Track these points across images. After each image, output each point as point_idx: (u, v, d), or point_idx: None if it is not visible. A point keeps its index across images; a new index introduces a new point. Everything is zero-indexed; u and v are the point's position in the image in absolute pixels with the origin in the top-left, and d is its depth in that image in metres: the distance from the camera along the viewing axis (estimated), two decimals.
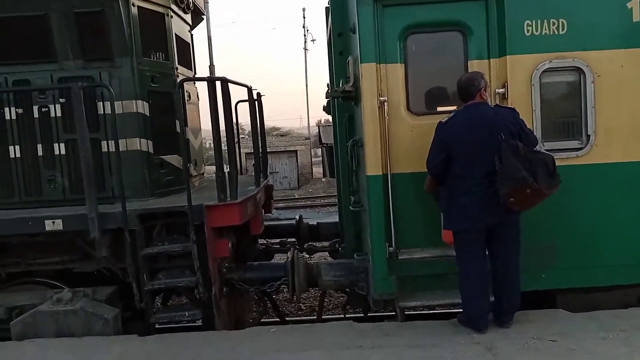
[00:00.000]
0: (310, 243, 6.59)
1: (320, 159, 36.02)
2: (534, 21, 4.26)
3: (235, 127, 5.03)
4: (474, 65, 4.35)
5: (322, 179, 29.78)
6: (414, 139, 4.41)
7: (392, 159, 4.40)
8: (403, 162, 4.45)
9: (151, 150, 5.22)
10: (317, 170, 33.88)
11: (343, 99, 4.85)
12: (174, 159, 5.56)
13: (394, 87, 4.38)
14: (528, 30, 4.26)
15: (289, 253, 5.40)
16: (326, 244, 6.96)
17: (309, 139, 33.41)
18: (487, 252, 4.11)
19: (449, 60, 4.46)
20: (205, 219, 4.63)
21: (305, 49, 37.34)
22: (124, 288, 5.10)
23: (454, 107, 4.31)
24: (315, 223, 6.84)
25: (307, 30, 38.29)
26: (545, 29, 4.27)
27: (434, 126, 4.21)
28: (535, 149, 3.92)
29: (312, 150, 33.27)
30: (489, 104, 4.03)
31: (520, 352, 3.69)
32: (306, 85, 42.46)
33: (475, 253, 4.01)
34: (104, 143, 5.04)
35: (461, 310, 4.29)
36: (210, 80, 4.54)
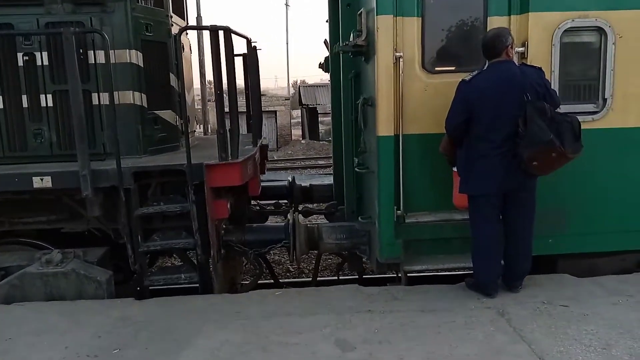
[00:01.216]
0: (305, 206, 6.43)
1: (299, 120, 35.54)
2: None
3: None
4: (494, 22, 4.15)
5: (302, 141, 29.42)
6: (427, 99, 4.24)
7: (404, 120, 4.22)
8: (415, 123, 4.27)
9: (145, 105, 4.91)
10: (296, 132, 33.48)
11: (353, 54, 4.59)
12: (167, 115, 5.27)
13: (410, 43, 4.16)
14: None
15: (289, 215, 5.24)
16: (321, 206, 6.83)
17: (289, 99, 32.81)
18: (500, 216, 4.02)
19: (467, 15, 4.24)
20: (206, 179, 4.40)
21: (287, 5, 36.29)
22: (115, 249, 4.89)
23: (469, 66, 4.15)
24: (308, 185, 6.67)
25: None
26: None
27: (447, 85, 4.08)
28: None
29: (291, 111, 32.72)
30: (515, 62, 3.85)
31: (533, 317, 3.64)
32: (287, 44, 41.53)
33: (491, 217, 3.91)
34: (94, 95, 4.69)
35: (468, 274, 4.23)
36: (213, 30, 4.22)
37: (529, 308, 3.79)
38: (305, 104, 31.57)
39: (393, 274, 5.26)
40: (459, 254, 4.55)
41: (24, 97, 4.68)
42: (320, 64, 6.33)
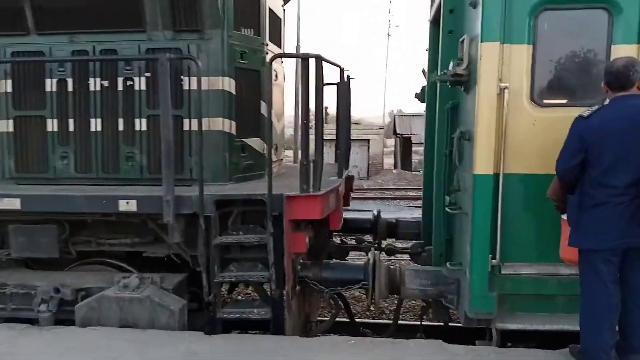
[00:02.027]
0: (389, 243, 6.04)
1: (392, 149, 35.10)
2: None
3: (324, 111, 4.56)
4: (619, 51, 3.61)
5: (393, 171, 28.94)
6: (536, 135, 3.76)
7: (506, 157, 3.76)
8: (520, 161, 3.80)
9: (233, 132, 4.86)
10: (388, 162, 33.06)
11: (452, 84, 4.22)
12: (255, 142, 5.18)
13: (517, 73, 3.73)
14: None
15: (369, 254, 4.89)
16: (407, 244, 6.39)
17: (383, 128, 32.55)
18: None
19: (586, 43, 3.73)
20: (285, 210, 4.20)
21: (388, 35, 36.40)
22: (192, 277, 4.82)
23: (584, 100, 3.67)
24: (394, 220, 6.28)
25: (391, 14, 37.52)
26: None
27: (559, 120, 3.60)
28: None
29: (384, 140, 32.43)
30: None
31: None
32: (385, 72, 41.62)
33: (606, 277, 3.31)
34: (186, 121, 4.72)
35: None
36: (304, 58, 4.07)
37: None
38: (399, 134, 31.13)
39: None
40: (562, 314, 3.96)
41: (120, 121, 4.80)
42: (416, 93, 6.01)
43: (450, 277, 4.45)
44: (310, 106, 4.34)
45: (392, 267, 4.76)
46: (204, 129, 4.35)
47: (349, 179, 6.28)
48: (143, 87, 4.75)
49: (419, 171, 29.17)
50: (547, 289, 3.94)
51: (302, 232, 4.42)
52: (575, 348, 3.61)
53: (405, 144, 31.20)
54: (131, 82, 4.77)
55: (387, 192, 20.56)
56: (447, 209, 4.42)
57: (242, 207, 4.56)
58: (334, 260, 5.43)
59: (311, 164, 4.30)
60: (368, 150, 29.58)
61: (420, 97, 5.85)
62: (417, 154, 32.16)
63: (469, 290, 3.92)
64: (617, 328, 3.39)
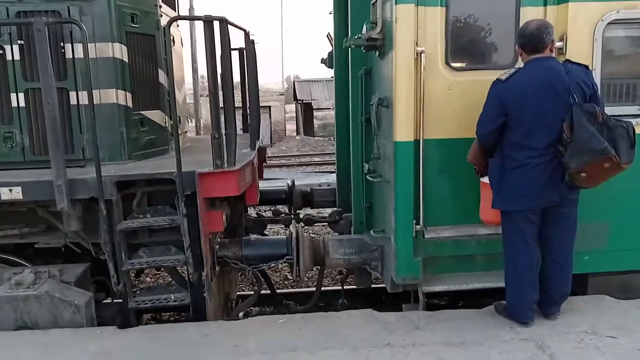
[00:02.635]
0: (307, 214, 5.91)
1: (293, 115, 34.92)
2: None
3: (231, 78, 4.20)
4: (528, 13, 3.66)
5: (296, 137, 28.86)
6: (453, 99, 3.74)
7: (425, 123, 3.71)
8: (438, 127, 3.77)
9: (129, 104, 4.38)
10: (290, 128, 32.88)
11: (366, 49, 4.07)
12: (155, 115, 4.73)
13: (432, 36, 3.65)
14: None
15: (291, 227, 4.71)
16: (325, 213, 6.30)
17: (284, 94, 32.18)
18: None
19: (496, 5, 3.73)
20: (198, 189, 3.87)
21: None
22: (95, 265, 4.37)
23: (498, 63, 3.73)
24: (308, 189, 6.16)
25: None
26: None
27: (475, 84, 3.61)
28: None
29: (285, 106, 32.09)
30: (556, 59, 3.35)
31: (579, 354, 3.17)
32: (281, 37, 40.83)
33: (528, 236, 3.42)
34: (72, 94, 4.16)
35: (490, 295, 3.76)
36: (207, 20, 3.67)
37: (572, 340, 3.31)
38: (300, 99, 30.98)
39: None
40: (482, 272, 4.10)
41: None
42: (322, 59, 5.81)
43: (373, 244, 4.41)
44: (216, 73, 3.99)
45: (314, 238, 4.63)
46: (95, 102, 3.85)
47: (262, 150, 6.01)
48: (17, 57, 4.10)
49: (321, 136, 29.42)
50: (467, 250, 4.03)
51: (217, 210, 4.12)
52: (500, 305, 3.74)
53: (307, 109, 31.17)
54: (1, 52, 4.10)
55: (292, 159, 20.47)
56: (367, 177, 4.33)
57: (147, 187, 4.17)
58: (254, 236, 5.20)
59: (223, 137, 3.99)
60: (270, 117, 29.19)
61: (327, 62, 5.66)
62: (318, 119, 32.33)
63: (395, 258, 3.90)
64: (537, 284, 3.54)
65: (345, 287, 5.46)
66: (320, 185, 6.23)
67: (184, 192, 3.87)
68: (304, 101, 30.68)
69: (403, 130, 3.70)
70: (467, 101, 3.65)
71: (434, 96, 3.71)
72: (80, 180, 3.86)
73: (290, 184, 6.10)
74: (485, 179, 3.57)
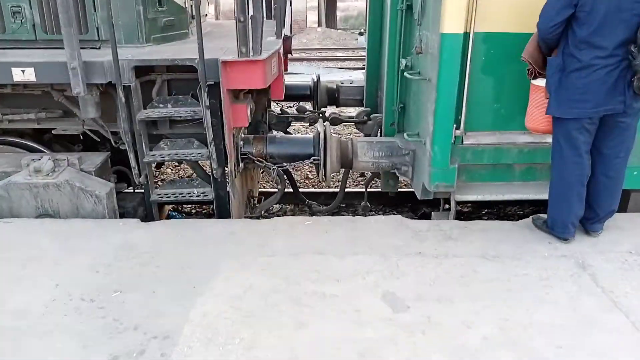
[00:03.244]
0: (333, 112, 5.60)
1: (315, 4, 33.07)
2: None
3: None
4: None
5: (317, 29, 27.49)
6: None
7: (478, 12, 3.27)
8: (492, 18, 3.32)
9: None
10: (311, 19, 31.26)
11: None
12: None
13: None
14: None
15: (318, 126, 4.44)
16: (349, 112, 5.98)
17: None
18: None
19: None
20: (222, 79, 3.57)
21: None
22: (115, 155, 4.21)
23: None
24: (334, 86, 5.80)
25: None
26: None
27: None
28: None
29: None
30: None
31: (622, 274, 2.99)
32: None
33: (581, 147, 3.12)
34: None
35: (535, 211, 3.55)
36: None
37: (615, 260, 3.13)
38: None
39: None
40: (519, 182, 3.87)
41: None
42: None
43: (405, 148, 4.16)
44: None
45: (342, 139, 4.37)
46: None
47: (287, 40, 5.56)
48: None
49: (344, 29, 28.05)
50: (507, 159, 3.76)
51: (242, 104, 3.85)
52: (539, 219, 3.54)
53: None
54: None
55: (313, 53, 19.63)
56: (405, 74, 3.96)
57: (167, 74, 3.89)
58: (279, 133, 4.95)
59: (249, 22, 3.59)
60: (290, 5, 27.65)
61: None
62: (340, 10, 30.60)
63: (430, 164, 3.65)
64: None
65: (369, 190, 5.32)
66: (343, 83, 5.85)
67: (207, 82, 3.58)
68: None
69: (452, 20, 3.27)
70: None
71: None
72: (97, 63, 3.58)
73: (315, 80, 5.74)
74: (538, 82, 3.20)
